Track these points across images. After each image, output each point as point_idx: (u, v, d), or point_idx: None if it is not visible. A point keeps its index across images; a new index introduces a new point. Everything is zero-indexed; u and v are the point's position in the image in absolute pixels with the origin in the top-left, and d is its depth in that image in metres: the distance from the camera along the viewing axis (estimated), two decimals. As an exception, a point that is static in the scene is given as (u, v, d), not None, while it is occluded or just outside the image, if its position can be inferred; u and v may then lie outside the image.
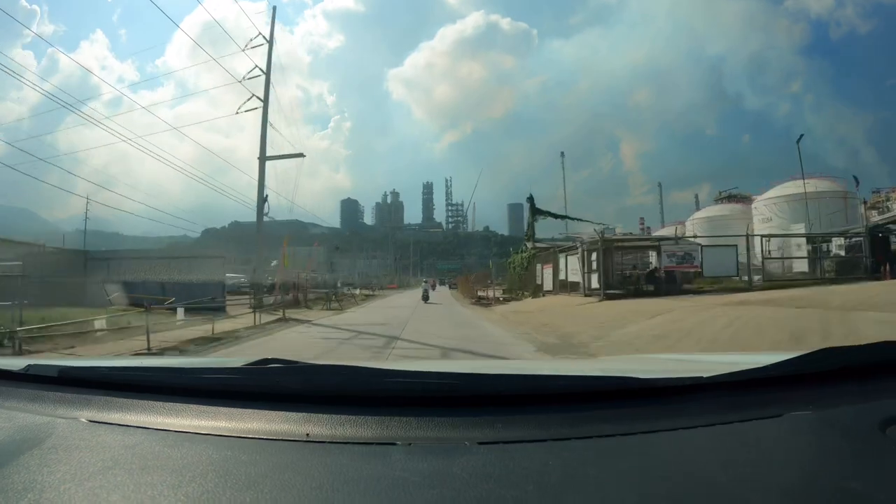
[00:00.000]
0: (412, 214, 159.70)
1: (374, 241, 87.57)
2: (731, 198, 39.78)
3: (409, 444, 0.79)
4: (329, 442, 0.80)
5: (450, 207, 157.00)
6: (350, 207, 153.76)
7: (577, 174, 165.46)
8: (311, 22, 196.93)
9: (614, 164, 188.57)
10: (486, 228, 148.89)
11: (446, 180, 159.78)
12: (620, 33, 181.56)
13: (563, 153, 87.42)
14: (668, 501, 0.65)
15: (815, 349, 0.96)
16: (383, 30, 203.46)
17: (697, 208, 44.26)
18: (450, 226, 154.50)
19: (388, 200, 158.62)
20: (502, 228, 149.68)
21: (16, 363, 1.12)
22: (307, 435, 0.82)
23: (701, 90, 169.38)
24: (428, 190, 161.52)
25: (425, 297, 26.41)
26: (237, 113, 16.98)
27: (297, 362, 1.09)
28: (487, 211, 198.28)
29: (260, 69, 16.85)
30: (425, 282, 34.08)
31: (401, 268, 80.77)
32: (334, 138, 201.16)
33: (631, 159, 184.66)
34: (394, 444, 0.79)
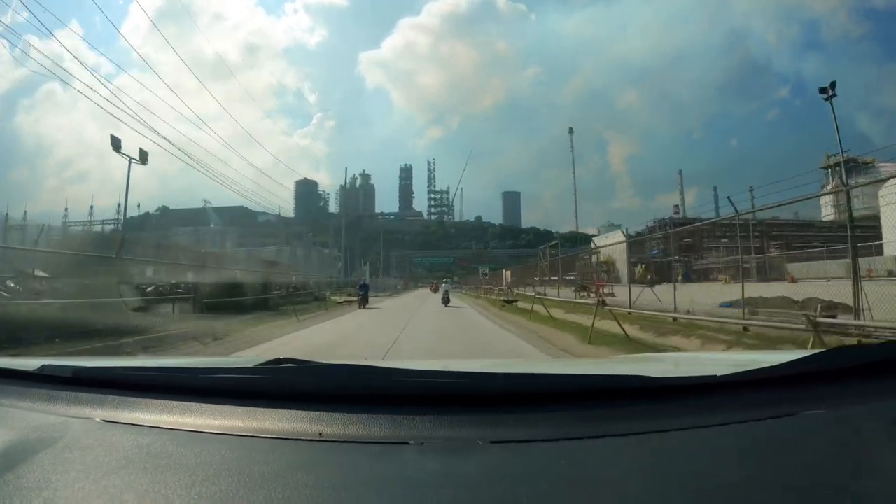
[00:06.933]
0: (390, 206, 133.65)
1: (337, 230, 63.74)
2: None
3: (422, 443, 0.83)
4: (342, 441, 0.84)
5: (433, 195, 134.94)
6: (306, 190, 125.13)
7: (582, 164, 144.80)
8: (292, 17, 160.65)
9: (608, 160, 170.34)
10: (479, 218, 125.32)
11: (429, 163, 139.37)
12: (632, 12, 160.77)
13: (571, 129, 67.05)
14: (681, 500, 0.69)
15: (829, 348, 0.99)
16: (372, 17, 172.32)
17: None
18: (432, 216, 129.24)
19: (358, 184, 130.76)
20: (495, 219, 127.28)
21: (31, 363, 1.14)
22: (320, 434, 0.85)
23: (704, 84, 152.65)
24: (406, 174, 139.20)
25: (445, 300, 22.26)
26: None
27: (309, 361, 1.13)
28: (475, 202, 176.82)
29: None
30: (445, 282, 27.88)
31: (352, 265, 58.08)
32: (316, 135, 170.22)
33: (637, 150, 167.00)
34: (406, 443, 0.83)
